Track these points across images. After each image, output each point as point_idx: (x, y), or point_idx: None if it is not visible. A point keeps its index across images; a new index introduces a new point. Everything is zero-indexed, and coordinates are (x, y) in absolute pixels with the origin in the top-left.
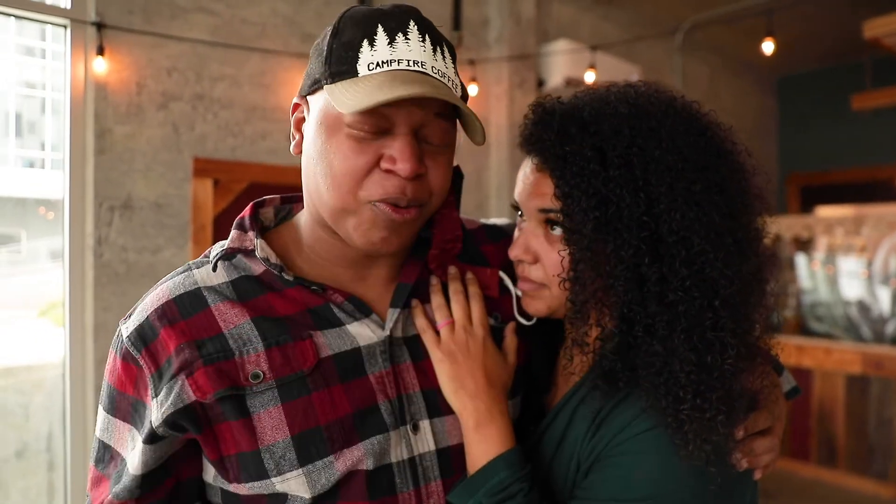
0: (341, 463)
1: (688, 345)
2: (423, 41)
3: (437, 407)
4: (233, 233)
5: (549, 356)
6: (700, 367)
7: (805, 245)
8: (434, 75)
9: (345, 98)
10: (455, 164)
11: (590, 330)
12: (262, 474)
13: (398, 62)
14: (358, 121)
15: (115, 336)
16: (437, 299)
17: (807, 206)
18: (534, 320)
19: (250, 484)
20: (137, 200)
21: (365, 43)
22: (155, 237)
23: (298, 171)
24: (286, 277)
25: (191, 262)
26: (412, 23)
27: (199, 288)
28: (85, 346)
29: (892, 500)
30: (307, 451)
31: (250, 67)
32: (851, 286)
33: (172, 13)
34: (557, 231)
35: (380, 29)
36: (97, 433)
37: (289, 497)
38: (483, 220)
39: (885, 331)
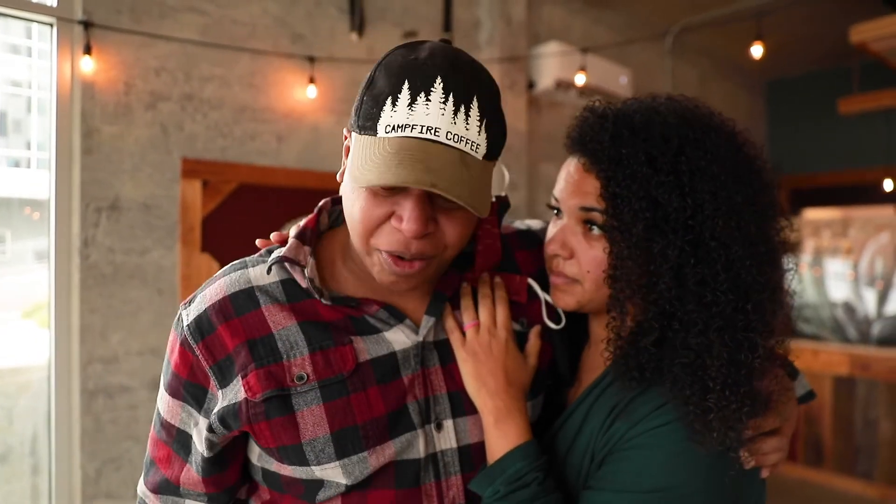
0: (374, 458)
1: (721, 342)
2: (445, 102)
3: (462, 408)
4: (292, 241)
5: (572, 355)
6: (731, 363)
7: (793, 247)
8: (447, 141)
9: (357, 168)
10: (504, 193)
11: (625, 325)
12: (304, 462)
13: (412, 127)
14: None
15: (176, 319)
16: (465, 302)
17: (795, 208)
18: (562, 324)
19: (293, 468)
20: (125, 201)
21: (388, 101)
22: (143, 238)
23: (287, 172)
24: (323, 302)
25: (247, 259)
26: (439, 80)
27: (252, 287)
28: (70, 349)
29: (877, 500)
30: (344, 447)
31: (240, 68)
32: (838, 288)
33: (161, 12)
34: (595, 230)
35: (405, 87)
36: (160, 411)
37: (325, 482)
38: (517, 225)
39: (871, 332)
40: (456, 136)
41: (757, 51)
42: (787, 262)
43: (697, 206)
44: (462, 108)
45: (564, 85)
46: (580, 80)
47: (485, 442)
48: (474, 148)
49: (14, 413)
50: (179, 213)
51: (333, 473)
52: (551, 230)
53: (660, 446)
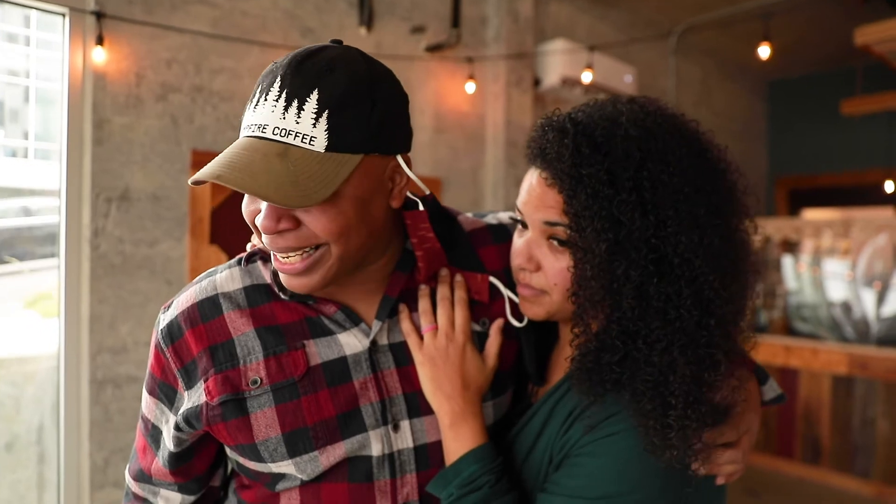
0: (325, 458)
1: (685, 360)
2: (277, 100)
3: (418, 408)
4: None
5: (541, 354)
6: (693, 380)
7: (792, 247)
8: (273, 136)
9: (207, 163)
10: (429, 192)
11: (588, 338)
12: (260, 460)
13: (249, 127)
14: None
15: (156, 322)
16: (423, 304)
17: (795, 208)
18: (525, 322)
19: (253, 463)
20: (135, 192)
21: (249, 105)
22: (152, 229)
23: None
24: (283, 297)
25: (218, 267)
26: (278, 80)
27: (217, 294)
28: (80, 338)
29: (873, 498)
30: (295, 447)
31: (250, 60)
32: (836, 288)
33: (173, 4)
34: (557, 243)
35: (258, 90)
36: (142, 408)
37: (285, 476)
38: (489, 220)
39: (869, 331)
40: (283, 131)
41: (764, 51)
42: (752, 261)
43: (660, 223)
44: (295, 104)
45: (570, 82)
46: (587, 77)
47: (441, 443)
48: (306, 141)
49: (21, 402)
50: (189, 205)
51: (288, 469)
52: (517, 242)
53: (611, 454)
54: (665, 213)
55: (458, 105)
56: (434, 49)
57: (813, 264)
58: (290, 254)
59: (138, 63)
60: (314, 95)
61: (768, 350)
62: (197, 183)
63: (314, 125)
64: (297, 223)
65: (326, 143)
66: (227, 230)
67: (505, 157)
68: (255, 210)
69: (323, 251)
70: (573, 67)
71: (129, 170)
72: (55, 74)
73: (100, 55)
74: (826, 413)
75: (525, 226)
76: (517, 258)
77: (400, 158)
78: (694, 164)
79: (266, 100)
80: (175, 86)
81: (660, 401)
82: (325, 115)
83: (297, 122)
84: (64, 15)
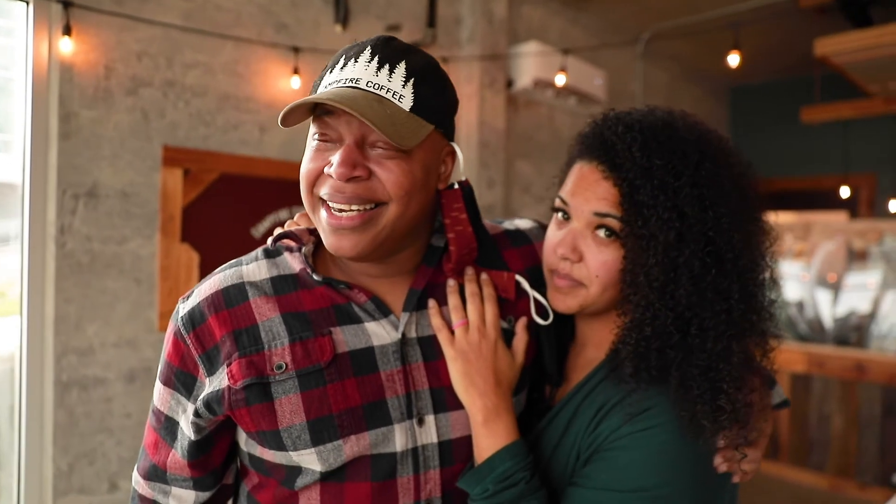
0: (349, 448)
1: (737, 346)
2: (370, 61)
3: (444, 403)
4: (302, 227)
5: (560, 354)
6: (744, 366)
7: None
8: (367, 88)
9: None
10: (464, 178)
11: (641, 326)
12: (282, 448)
13: (339, 81)
14: (314, 133)
15: (174, 312)
16: (453, 300)
17: None
18: (550, 320)
19: (273, 452)
20: (103, 188)
21: (328, 69)
22: (121, 227)
23: (269, 163)
24: (315, 277)
25: (242, 258)
26: (369, 48)
27: (244, 282)
28: (44, 339)
29: (827, 490)
30: (320, 435)
31: (224, 55)
32: (792, 288)
33: None
34: (602, 234)
35: (342, 57)
36: (153, 400)
37: (303, 469)
38: (506, 225)
39: (824, 331)
40: (376, 85)
41: (734, 59)
42: (775, 271)
43: (717, 218)
44: (387, 65)
45: (543, 84)
46: (560, 80)
47: (470, 438)
48: (396, 97)
49: None
50: (159, 202)
51: (309, 460)
52: (557, 233)
53: (644, 448)
54: (720, 210)
55: None
56: None
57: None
58: (350, 207)
59: (107, 55)
60: (402, 64)
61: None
62: (297, 111)
63: (403, 86)
64: (369, 174)
65: (412, 104)
66: (198, 228)
67: (478, 158)
68: (316, 168)
69: (381, 209)
70: (546, 70)
71: (98, 165)
72: (9, 63)
73: (67, 45)
74: (785, 410)
75: (566, 217)
76: (560, 247)
77: (455, 145)
78: (739, 171)
79: (357, 61)
80: (146, 80)
81: (709, 385)
82: (411, 81)
83: (389, 80)
84: (27, 2)
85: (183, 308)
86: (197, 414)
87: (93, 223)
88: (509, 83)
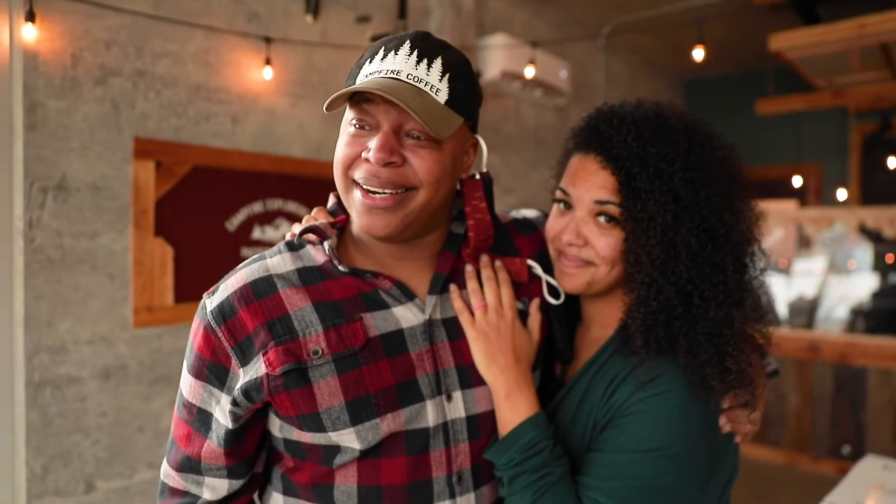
0: (386, 425)
1: (737, 312)
2: (410, 55)
3: (469, 380)
4: (324, 221)
5: (569, 333)
6: (742, 332)
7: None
8: (407, 80)
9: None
10: (485, 170)
11: (647, 301)
12: (322, 429)
13: (380, 72)
14: (351, 119)
15: (200, 307)
16: (472, 284)
17: None
18: (562, 299)
19: (311, 434)
20: (73, 181)
21: (367, 60)
22: (92, 221)
23: (242, 154)
24: (340, 268)
25: (265, 253)
26: (408, 42)
27: (271, 275)
28: (13, 338)
29: (784, 464)
30: (358, 414)
31: (194, 45)
32: None
33: None
34: (603, 219)
35: (382, 49)
36: (183, 392)
37: (342, 448)
38: (514, 214)
39: (779, 314)
40: (416, 77)
41: (698, 54)
42: (762, 249)
43: (709, 198)
44: (425, 60)
45: (510, 76)
46: (529, 72)
47: (494, 413)
48: (433, 90)
49: None
50: (131, 195)
51: (348, 439)
52: (560, 221)
53: (657, 411)
54: (711, 191)
55: None
56: (379, 39)
57: None
58: (384, 190)
59: (74, 43)
60: (439, 59)
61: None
62: (342, 98)
63: (440, 80)
64: (403, 161)
65: (447, 98)
66: (172, 222)
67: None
68: (353, 153)
69: (412, 193)
70: (513, 62)
71: (66, 158)
72: None
73: (30, 32)
74: None
75: (568, 206)
76: (566, 234)
77: (479, 137)
78: (725, 154)
79: (397, 54)
80: (115, 69)
81: (714, 350)
82: (447, 76)
83: (428, 74)
84: None
85: (210, 303)
86: (235, 403)
87: (63, 217)
88: (477, 75)
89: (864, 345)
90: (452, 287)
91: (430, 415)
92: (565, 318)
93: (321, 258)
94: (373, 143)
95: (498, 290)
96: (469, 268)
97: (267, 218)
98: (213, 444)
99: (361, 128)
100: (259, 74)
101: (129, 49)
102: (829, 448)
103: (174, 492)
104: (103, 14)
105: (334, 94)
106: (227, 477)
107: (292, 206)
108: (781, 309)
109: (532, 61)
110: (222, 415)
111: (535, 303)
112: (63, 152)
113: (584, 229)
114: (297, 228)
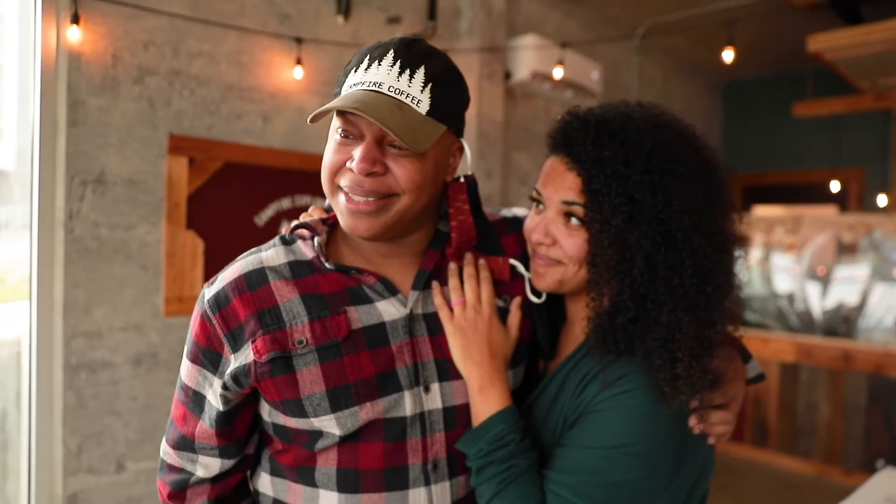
0: (364, 413)
1: (689, 319)
2: (392, 66)
3: (447, 373)
4: (315, 218)
5: (552, 332)
6: (697, 337)
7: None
8: (388, 92)
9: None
10: (470, 172)
11: (602, 304)
12: (304, 415)
13: (363, 83)
14: (337, 128)
15: (200, 297)
16: (452, 281)
17: (746, 204)
18: (543, 298)
19: (295, 419)
20: (111, 175)
21: (352, 69)
22: (128, 214)
23: (272, 152)
24: (327, 266)
25: (261, 246)
26: (391, 52)
27: (264, 267)
28: (53, 323)
29: (814, 476)
30: (338, 402)
31: (228, 45)
32: (783, 280)
33: None
34: (574, 221)
35: (366, 58)
36: (181, 376)
37: (323, 433)
38: (504, 213)
39: (814, 322)
40: (397, 90)
41: (728, 55)
42: (738, 251)
43: (667, 202)
44: (407, 71)
45: (540, 77)
46: (558, 73)
47: (469, 405)
48: (415, 101)
49: None
50: (165, 190)
51: (329, 425)
52: (533, 220)
53: (623, 409)
54: (670, 194)
55: None
56: None
57: (763, 259)
58: (367, 198)
59: (115, 44)
60: (422, 69)
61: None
62: (324, 113)
63: (421, 91)
64: (385, 170)
65: (429, 108)
66: (203, 215)
67: (476, 150)
68: (339, 161)
69: (394, 199)
70: (543, 62)
71: (105, 153)
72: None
73: (75, 34)
74: (774, 398)
75: (540, 206)
76: (535, 234)
77: (464, 141)
78: (693, 157)
79: (380, 65)
80: (152, 68)
81: (668, 356)
82: (429, 86)
83: (409, 86)
84: None
85: (209, 292)
86: (225, 387)
87: (100, 210)
88: (507, 75)
89: None
90: (434, 283)
91: (407, 404)
92: (549, 317)
93: (311, 253)
94: (357, 152)
95: (478, 288)
96: (452, 266)
97: (295, 214)
98: (205, 425)
99: (346, 137)
100: (290, 74)
101: (165, 49)
102: (861, 461)
103: (171, 468)
104: (142, 16)
105: (317, 110)
106: (218, 456)
107: (320, 203)
108: (817, 317)
109: (561, 62)
110: (214, 398)
111: (517, 301)
112: (102, 148)
113: (553, 229)
114: (294, 224)
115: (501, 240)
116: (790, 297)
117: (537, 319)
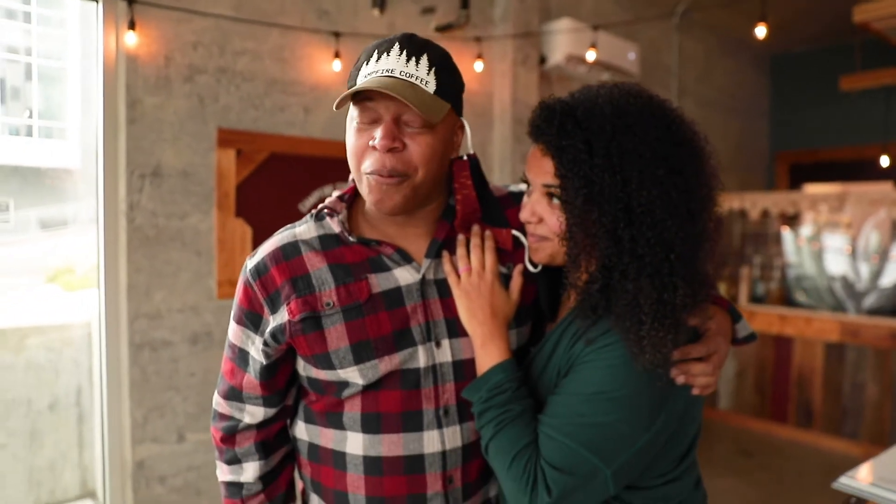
0: (383, 365)
1: (651, 285)
2: (400, 54)
3: (456, 331)
4: (334, 198)
5: (553, 296)
6: (659, 301)
7: (792, 221)
8: (400, 76)
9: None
10: (472, 151)
11: (581, 274)
12: (331, 367)
13: (377, 72)
14: (356, 115)
15: (243, 267)
16: (460, 251)
17: (795, 183)
18: (539, 267)
19: (325, 372)
20: (166, 168)
21: (364, 62)
22: (182, 203)
23: (313, 142)
24: (350, 239)
25: (295, 223)
26: (397, 44)
27: (297, 241)
28: (118, 305)
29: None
30: (360, 355)
31: (270, 42)
32: (836, 262)
33: None
34: (555, 201)
35: (375, 51)
36: (229, 336)
37: (349, 383)
38: (511, 188)
39: (863, 301)
40: (407, 73)
41: (760, 31)
42: (715, 217)
43: (626, 181)
44: (413, 58)
45: (575, 60)
46: (591, 56)
47: (474, 360)
48: (423, 82)
49: (59, 367)
50: (215, 180)
51: (353, 375)
52: (525, 200)
53: (604, 360)
54: (629, 174)
55: (467, 83)
56: (444, 29)
57: (813, 238)
58: (390, 177)
59: (167, 46)
60: (425, 56)
61: (765, 319)
62: (348, 98)
63: (427, 73)
64: (403, 146)
65: (435, 88)
66: (251, 204)
67: (512, 134)
68: (363, 144)
69: (411, 176)
70: (578, 46)
71: (161, 147)
72: (61, 53)
73: (132, 39)
74: (818, 379)
75: (529, 188)
76: (524, 213)
77: (464, 120)
78: (659, 135)
79: (389, 55)
80: (201, 67)
81: (635, 319)
82: (433, 69)
83: (416, 69)
84: (96, 1)
85: (250, 263)
86: (265, 343)
87: (157, 200)
88: (542, 60)
89: None
90: (444, 253)
91: (421, 357)
92: (550, 283)
93: (337, 228)
94: (378, 132)
95: (482, 257)
96: (460, 237)
97: None
98: (251, 377)
99: (365, 122)
100: (329, 67)
101: (212, 49)
102: None
103: (222, 416)
104: (191, 19)
105: (341, 95)
106: (262, 405)
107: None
108: (869, 295)
109: (594, 45)
110: (257, 353)
111: (518, 268)
112: (158, 143)
113: (538, 208)
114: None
115: (506, 212)
116: (844, 280)
117: (539, 284)
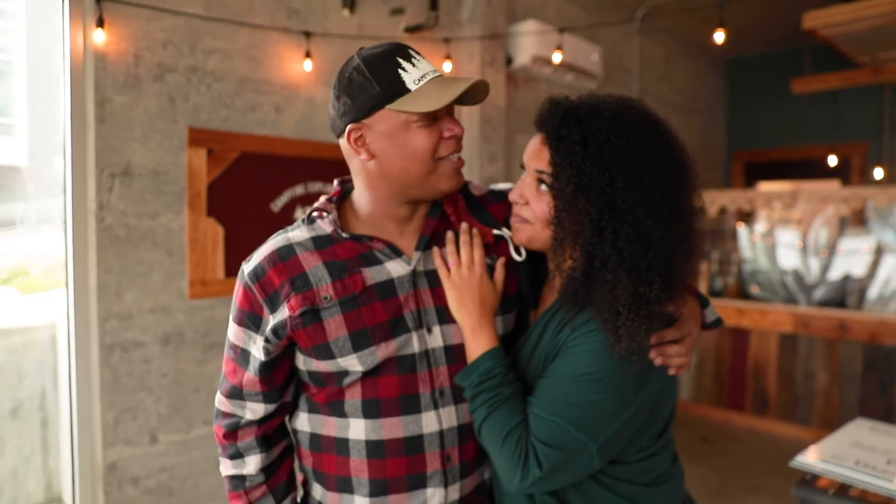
0: (380, 351)
1: (628, 278)
2: (422, 58)
3: (445, 318)
4: (323, 200)
5: (536, 285)
6: (635, 294)
7: (747, 217)
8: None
9: (424, 102)
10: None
11: (566, 259)
12: (331, 356)
13: (429, 73)
14: (424, 116)
15: (240, 272)
16: (450, 247)
17: (750, 181)
18: (524, 256)
19: (325, 362)
20: (136, 168)
21: (399, 70)
22: (153, 203)
23: (285, 141)
24: (343, 235)
25: (287, 227)
26: (409, 50)
27: (291, 243)
28: (88, 306)
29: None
30: (358, 343)
31: (241, 41)
32: (788, 256)
33: None
34: (544, 187)
35: (398, 59)
36: (229, 337)
37: (349, 372)
38: (491, 187)
39: (813, 294)
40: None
41: (719, 37)
42: (698, 220)
43: (613, 178)
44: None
45: (541, 61)
46: (557, 57)
47: (464, 346)
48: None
49: (22, 370)
50: (186, 180)
51: (352, 363)
52: (518, 183)
53: (586, 345)
54: (616, 172)
55: None
56: (413, 30)
57: (766, 234)
58: (460, 156)
59: (136, 44)
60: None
61: (722, 312)
62: (455, 101)
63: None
64: (461, 129)
65: None
66: (222, 203)
67: (479, 133)
68: (435, 140)
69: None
70: (543, 47)
71: (131, 147)
72: (7, 46)
73: (100, 36)
74: (773, 368)
75: (524, 173)
76: (513, 194)
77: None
78: (649, 142)
79: (417, 59)
80: (171, 66)
81: (612, 310)
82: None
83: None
84: None
85: (247, 267)
86: (267, 340)
87: (128, 200)
88: (509, 61)
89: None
90: (434, 248)
91: (415, 343)
92: (533, 272)
93: (328, 228)
94: (447, 124)
95: (471, 251)
96: (450, 234)
97: (308, 200)
98: (251, 374)
99: (430, 119)
100: (300, 67)
101: (183, 48)
102: None
103: (225, 415)
104: (161, 17)
105: (451, 96)
106: (262, 402)
107: (329, 189)
108: (818, 289)
109: (559, 47)
110: (257, 351)
111: (501, 260)
112: (127, 142)
113: (527, 192)
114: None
115: (488, 208)
116: (795, 274)
117: (522, 273)
